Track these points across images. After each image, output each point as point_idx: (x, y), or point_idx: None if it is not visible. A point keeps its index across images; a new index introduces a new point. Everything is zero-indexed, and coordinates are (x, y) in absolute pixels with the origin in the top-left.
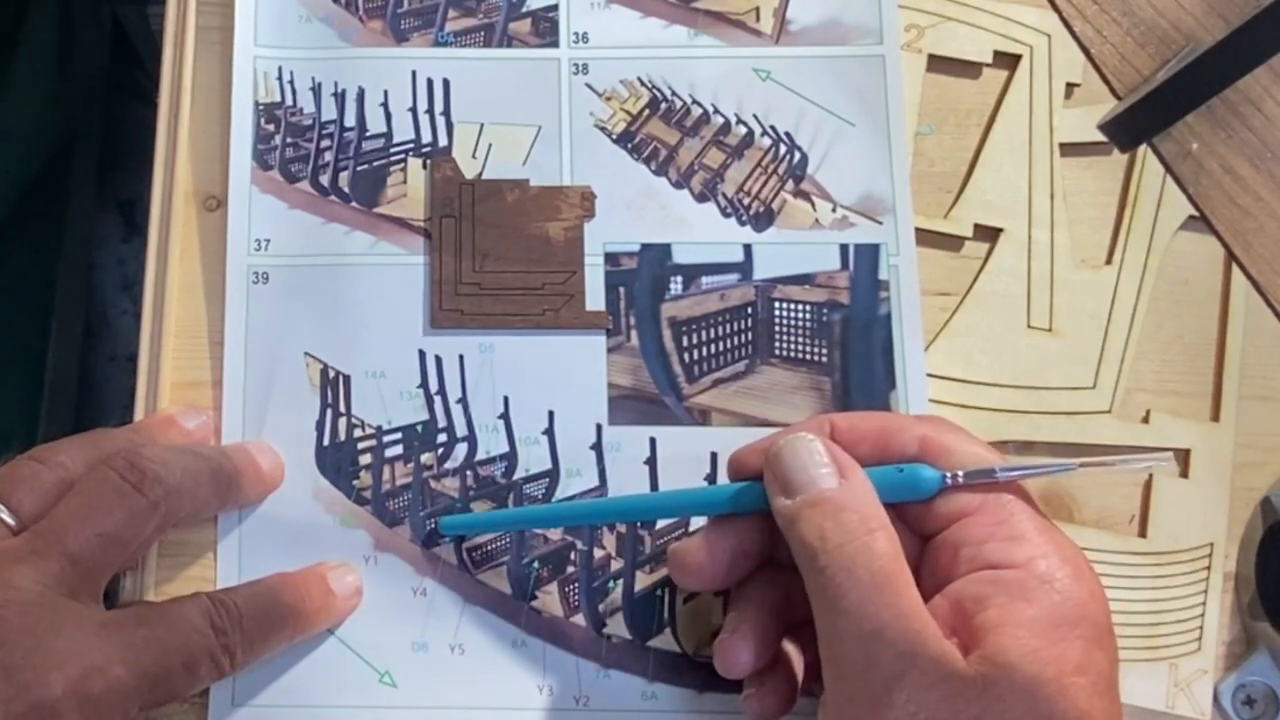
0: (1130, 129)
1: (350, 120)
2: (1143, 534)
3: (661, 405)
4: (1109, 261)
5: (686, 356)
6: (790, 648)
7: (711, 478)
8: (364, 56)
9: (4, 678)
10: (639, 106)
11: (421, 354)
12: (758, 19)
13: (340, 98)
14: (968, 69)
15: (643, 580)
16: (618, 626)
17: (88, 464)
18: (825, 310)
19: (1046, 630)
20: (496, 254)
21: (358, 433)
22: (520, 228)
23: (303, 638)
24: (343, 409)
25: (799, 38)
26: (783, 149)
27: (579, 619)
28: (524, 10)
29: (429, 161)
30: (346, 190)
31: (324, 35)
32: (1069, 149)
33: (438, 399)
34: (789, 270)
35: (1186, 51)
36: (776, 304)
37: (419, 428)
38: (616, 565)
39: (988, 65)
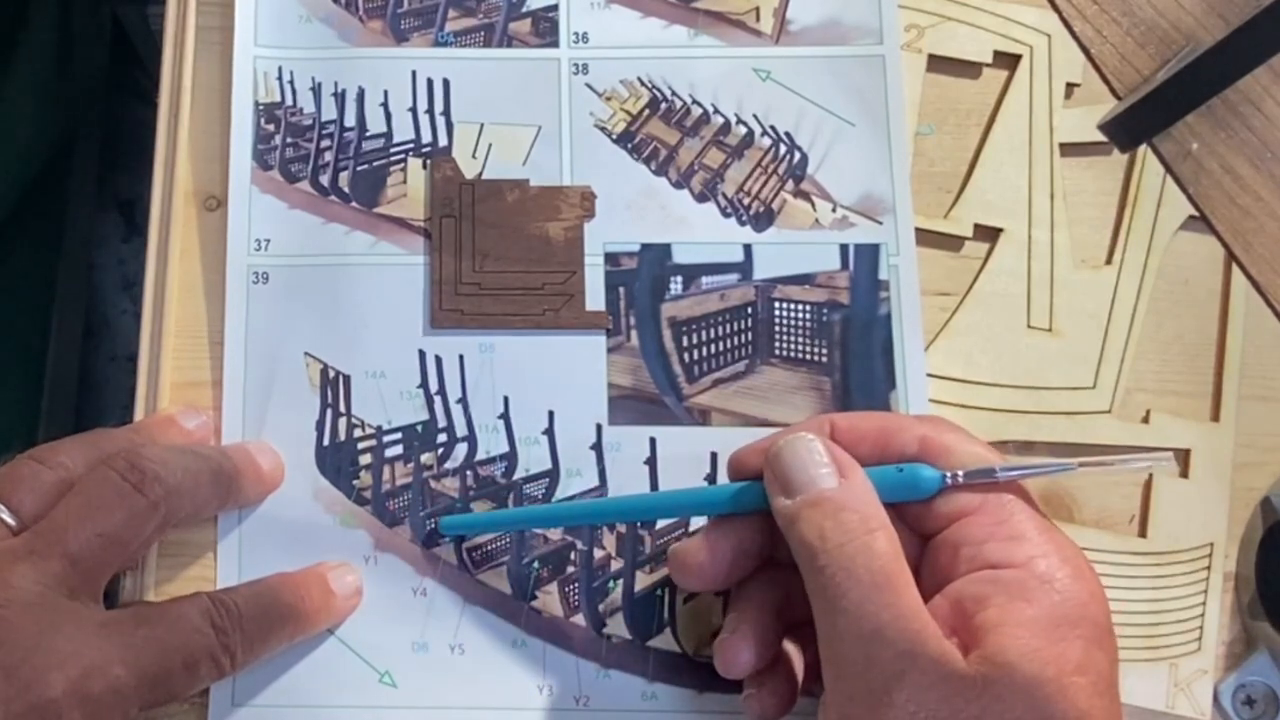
0: (1130, 129)
1: (350, 120)
2: (1143, 534)
3: (661, 405)
4: (1109, 261)
5: (686, 356)
6: (790, 648)
7: (711, 478)
8: (364, 56)
9: (4, 678)
10: (639, 106)
11: (421, 354)
12: (758, 19)
13: (340, 98)
14: (968, 69)
15: (643, 580)
16: (618, 626)
17: (88, 464)
18: (825, 310)
19: (1046, 630)
20: (496, 254)
21: (358, 433)
22: (520, 228)
23: (303, 638)
24: (343, 409)
25: (799, 38)
26: (783, 149)
27: (579, 619)
28: (524, 10)
29: (429, 161)
30: (346, 190)
31: (324, 35)
32: (1069, 149)
33: (438, 399)
34: (789, 270)
35: (1186, 51)
36: (776, 304)
37: (419, 428)
38: (616, 565)
39: (988, 65)
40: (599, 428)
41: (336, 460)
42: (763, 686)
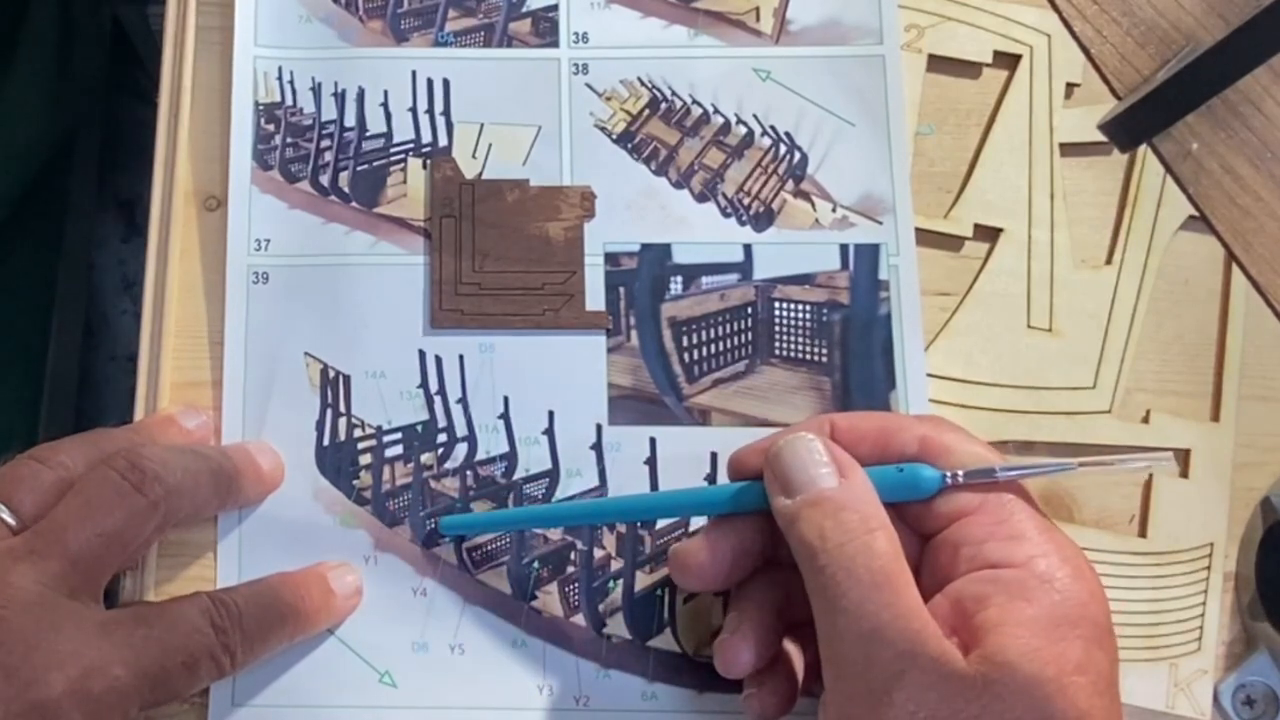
0: (1130, 129)
1: (350, 120)
2: (1143, 534)
3: (661, 405)
4: (1109, 261)
5: (686, 356)
6: (790, 648)
7: (711, 478)
8: (364, 56)
9: (4, 678)
10: (639, 106)
11: (421, 354)
12: (758, 19)
13: (340, 98)
14: (968, 69)
15: (643, 580)
16: (618, 626)
17: (88, 464)
18: (825, 310)
19: (1046, 629)
20: (496, 254)
21: (358, 433)
22: (520, 228)
23: (303, 637)
24: (343, 409)
25: (799, 38)
26: (783, 149)
27: (579, 619)
28: (524, 10)
29: (429, 161)
30: (346, 190)
31: (324, 35)
32: (1069, 149)
33: (438, 399)
34: (789, 270)
35: (1186, 51)
36: (776, 304)
37: (419, 428)
38: (616, 565)
39: (988, 65)
40: (599, 428)
41: (336, 460)
42: (763, 686)
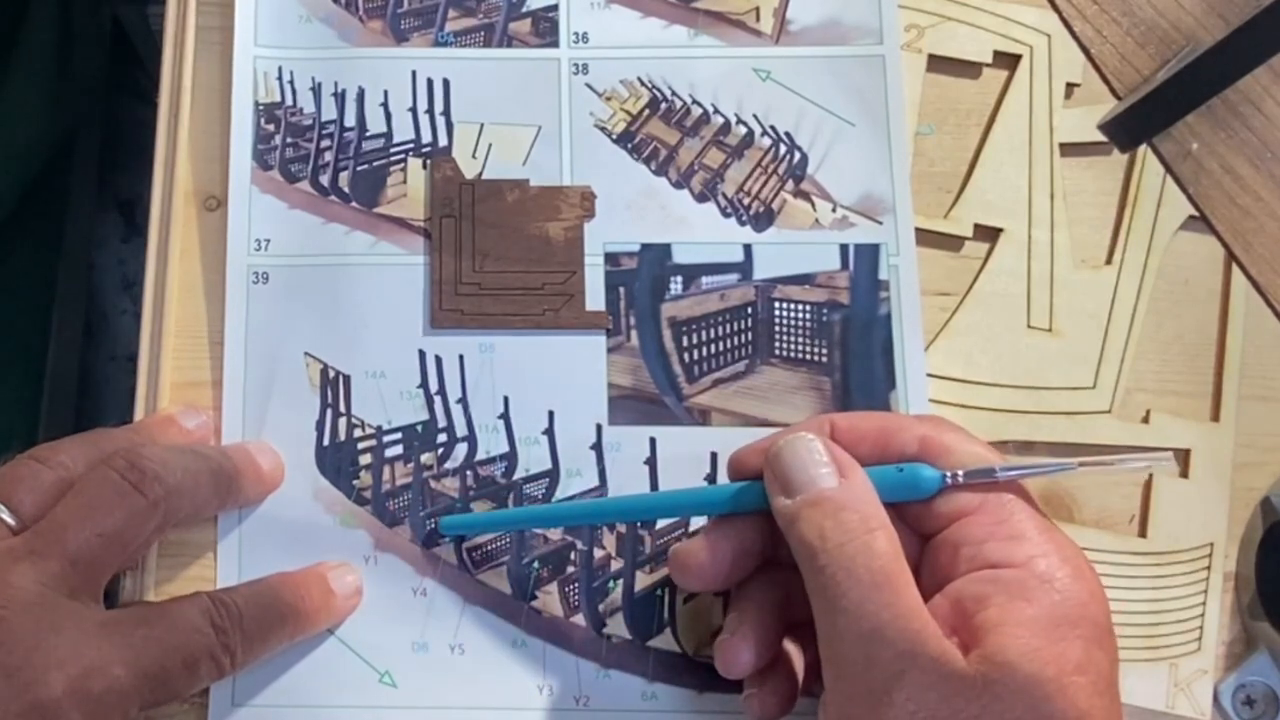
0: (1130, 129)
1: (350, 120)
2: (1143, 534)
3: (661, 405)
4: (1109, 261)
5: (686, 356)
6: (790, 648)
7: (711, 478)
8: (364, 56)
9: (4, 678)
10: (639, 106)
11: (421, 354)
12: (758, 19)
13: (340, 98)
14: (968, 69)
15: (643, 580)
16: (618, 626)
17: (88, 464)
18: (825, 310)
19: (1046, 629)
20: (496, 254)
21: (358, 433)
22: (520, 228)
23: (303, 637)
24: (343, 409)
25: (799, 38)
26: (783, 149)
27: (579, 619)
28: (524, 10)
29: (429, 161)
30: (346, 190)
31: (324, 35)
32: (1069, 149)
33: (438, 399)
34: (789, 270)
35: (1186, 51)
36: (776, 304)
37: (419, 428)
38: (616, 565)
39: (988, 65)
40: (599, 428)
41: (336, 460)
42: (763, 686)
